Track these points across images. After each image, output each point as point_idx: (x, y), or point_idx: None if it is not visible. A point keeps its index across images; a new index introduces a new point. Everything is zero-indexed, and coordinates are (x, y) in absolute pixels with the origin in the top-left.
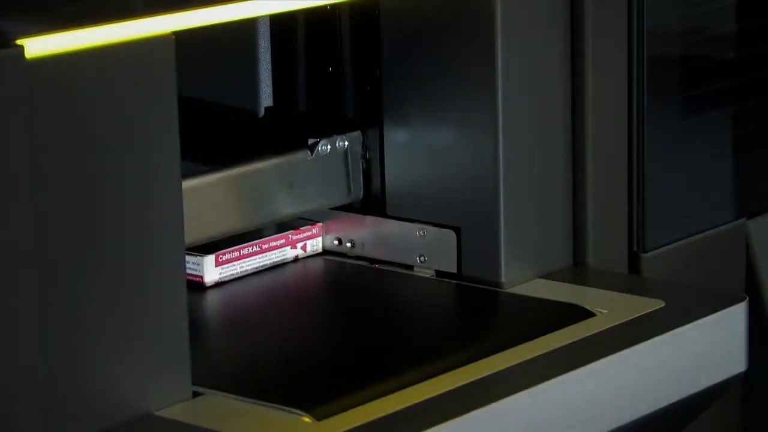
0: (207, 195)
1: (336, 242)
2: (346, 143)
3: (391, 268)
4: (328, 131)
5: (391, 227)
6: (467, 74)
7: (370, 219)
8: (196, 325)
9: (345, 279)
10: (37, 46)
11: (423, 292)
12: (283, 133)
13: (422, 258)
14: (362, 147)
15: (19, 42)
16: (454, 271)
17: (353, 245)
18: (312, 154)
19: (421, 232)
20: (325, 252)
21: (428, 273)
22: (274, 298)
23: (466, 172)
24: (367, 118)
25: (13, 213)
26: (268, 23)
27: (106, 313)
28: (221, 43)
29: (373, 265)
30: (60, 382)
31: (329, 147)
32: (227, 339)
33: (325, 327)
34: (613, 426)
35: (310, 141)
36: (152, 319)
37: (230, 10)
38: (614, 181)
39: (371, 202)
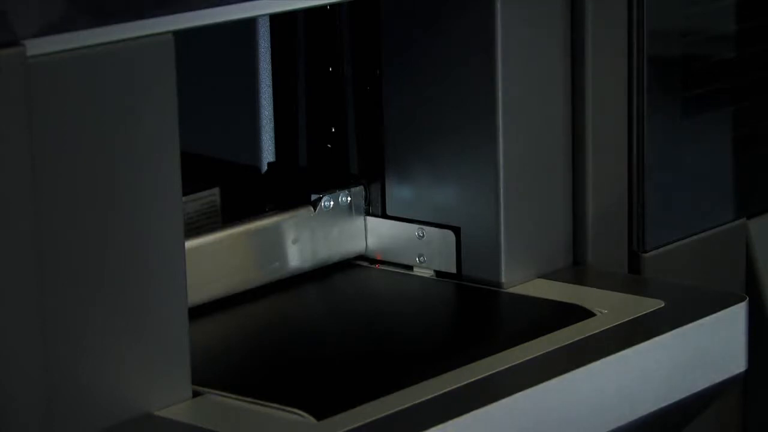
0: (210, 254)
1: None
2: (349, 198)
3: (391, 268)
4: (331, 186)
5: (391, 227)
6: (467, 75)
7: (370, 219)
8: (197, 325)
9: (345, 279)
10: (37, 46)
11: (423, 292)
12: (285, 189)
13: (422, 258)
14: (365, 201)
15: (19, 42)
16: (454, 271)
17: None
18: (315, 210)
19: (421, 232)
20: None
21: (428, 273)
22: (274, 297)
23: (466, 172)
24: (368, 171)
25: (12, 213)
26: (269, 71)
27: (106, 313)
28: (222, 92)
29: (373, 265)
30: (60, 382)
31: (332, 203)
32: (227, 339)
33: (325, 327)
34: (613, 426)
35: (313, 197)
36: (152, 319)
37: (230, 10)
38: (614, 181)
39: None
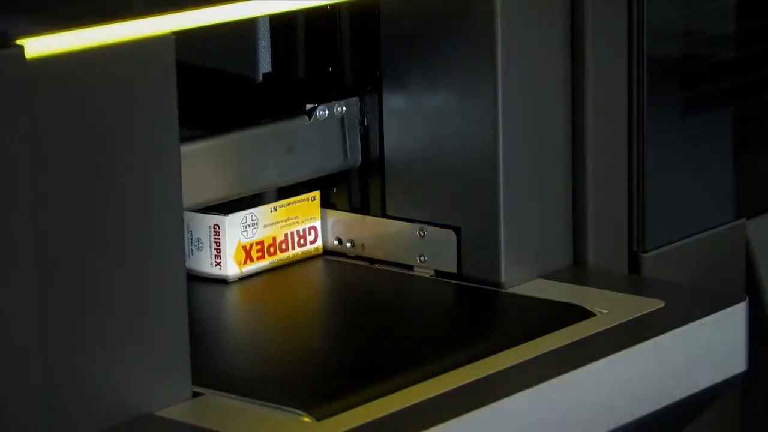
0: (205, 160)
1: (336, 242)
2: (344, 108)
3: (391, 268)
4: (326, 97)
5: (391, 227)
6: (467, 74)
7: (370, 219)
8: (197, 325)
9: (345, 279)
10: (37, 46)
11: (423, 292)
12: (281, 99)
13: (422, 258)
14: (360, 113)
15: (19, 42)
16: (454, 271)
17: (353, 245)
18: (310, 120)
19: (421, 232)
20: (326, 252)
21: (428, 273)
22: (274, 298)
23: (466, 172)
24: (364, 85)
25: (12, 212)
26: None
27: (107, 313)
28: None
29: (373, 265)
30: (60, 382)
31: (327, 112)
32: (227, 339)
33: (325, 327)
34: (613, 426)
35: (308, 106)
36: (152, 319)
37: (230, 10)
38: (614, 181)
39: (371, 201)
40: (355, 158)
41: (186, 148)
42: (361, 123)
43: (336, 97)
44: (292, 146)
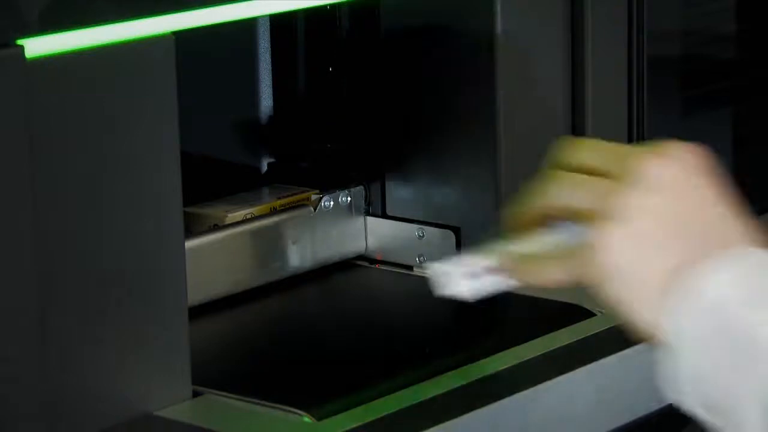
0: (211, 254)
1: None
2: (349, 199)
3: (391, 268)
4: (331, 186)
5: (391, 227)
6: (467, 74)
7: (370, 219)
8: (197, 325)
9: (345, 279)
10: (37, 46)
11: (423, 292)
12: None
13: (422, 258)
14: (365, 201)
15: (19, 42)
16: None
17: None
18: (315, 211)
19: (421, 232)
20: None
21: (428, 273)
22: (274, 297)
23: (466, 172)
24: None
25: (12, 213)
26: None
27: (107, 314)
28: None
29: (373, 265)
30: (60, 382)
31: (332, 203)
32: (227, 339)
33: (325, 327)
34: (613, 426)
35: (314, 197)
36: (152, 319)
37: (230, 10)
38: None
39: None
40: (359, 246)
41: (191, 243)
42: (366, 211)
43: (340, 186)
44: (297, 239)
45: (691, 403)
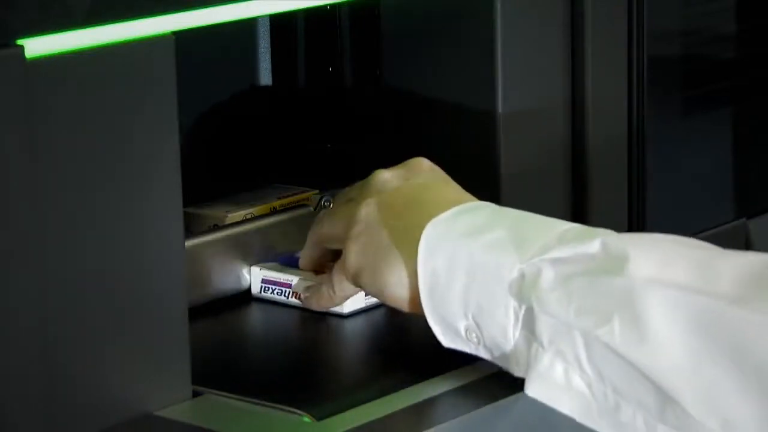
0: (211, 254)
1: None
2: None
3: None
4: (331, 186)
5: None
6: (467, 74)
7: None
8: (197, 325)
9: None
10: (37, 46)
11: None
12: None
13: None
14: None
15: (19, 42)
16: None
17: None
18: (315, 210)
19: None
20: None
21: None
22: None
23: (466, 172)
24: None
25: (12, 213)
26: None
27: (106, 313)
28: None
29: None
30: (60, 382)
31: (332, 203)
32: (227, 339)
33: (325, 327)
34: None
35: (313, 197)
36: (152, 319)
37: (230, 10)
38: (614, 181)
39: None
40: None
41: (191, 243)
42: None
43: (340, 186)
44: (296, 237)
45: (438, 321)
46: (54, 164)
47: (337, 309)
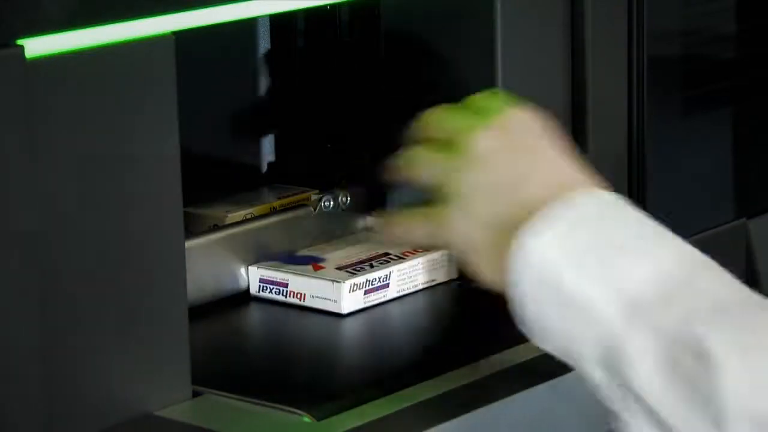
0: (210, 254)
1: None
2: (349, 199)
3: None
4: (331, 186)
5: None
6: (467, 74)
7: (370, 219)
8: (197, 325)
9: None
10: (37, 46)
11: (423, 292)
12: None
13: None
14: (365, 201)
15: (19, 42)
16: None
17: None
18: (315, 211)
19: None
20: None
21: None
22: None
23: None
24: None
25: (12, 213)
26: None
27: (106, 313)
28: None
29: None
30: (60, 382)
31: (331, 203)
32: (227, 339)
33: (324, 327)
34: (613, 426)
35: (314, 197)
36: (152, 319)
37: (230, 10)
38: (614, 181)
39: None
40: None
41: (191, 243)
42: (367, 212)
43: (340, 186)
44: (296, 238)
45: (540, 344)
46: (54, 164)
47: (337, 309)
